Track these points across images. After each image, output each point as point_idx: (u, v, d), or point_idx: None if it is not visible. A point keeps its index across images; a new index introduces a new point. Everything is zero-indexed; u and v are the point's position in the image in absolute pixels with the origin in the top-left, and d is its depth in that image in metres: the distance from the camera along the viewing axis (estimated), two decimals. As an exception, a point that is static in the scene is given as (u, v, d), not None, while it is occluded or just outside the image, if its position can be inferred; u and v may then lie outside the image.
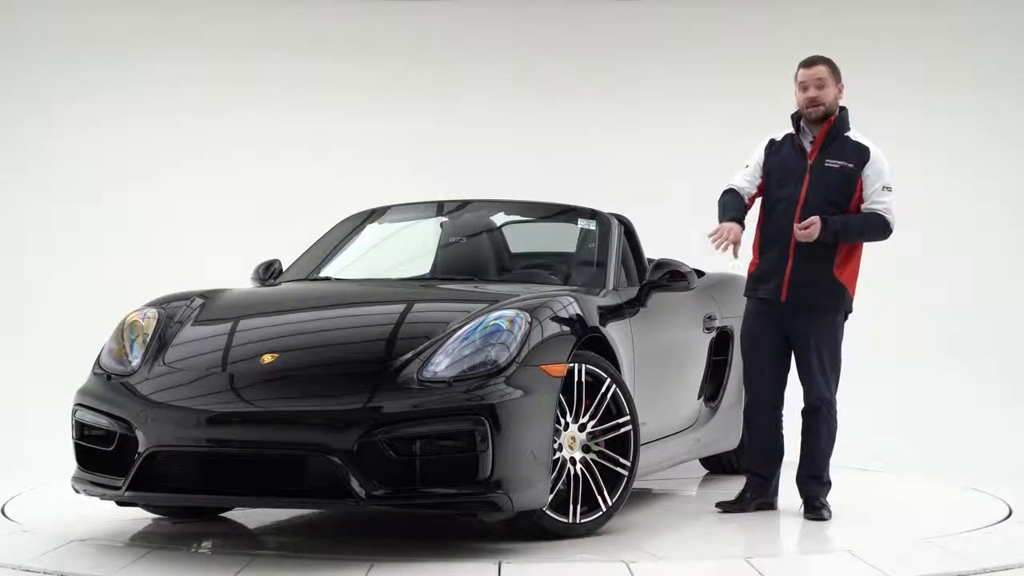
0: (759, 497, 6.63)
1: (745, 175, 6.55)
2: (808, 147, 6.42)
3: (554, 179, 10.34)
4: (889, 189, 6.32)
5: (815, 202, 6.31)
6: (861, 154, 6.33)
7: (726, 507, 6.64)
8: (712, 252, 6.41)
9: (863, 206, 6.34)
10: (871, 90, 10.49)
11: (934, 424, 9.60)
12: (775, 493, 6.68)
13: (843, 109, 6.45)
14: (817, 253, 6.31)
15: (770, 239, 6.46)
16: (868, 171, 6.31)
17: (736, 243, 6.33)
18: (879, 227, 6.32)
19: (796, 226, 6.27)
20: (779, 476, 6.69)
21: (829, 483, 6.54)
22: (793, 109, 6.50)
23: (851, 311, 6.52)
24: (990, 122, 10.76)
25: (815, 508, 6.43)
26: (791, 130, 6.49)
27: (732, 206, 6.45)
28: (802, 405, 6.55)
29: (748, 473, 6.73)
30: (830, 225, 6.23)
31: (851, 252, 6.40)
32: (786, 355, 6.57)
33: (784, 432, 6.67)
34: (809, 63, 6.43)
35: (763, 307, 6.52)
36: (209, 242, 10.47)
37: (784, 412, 6.68)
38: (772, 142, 6.56)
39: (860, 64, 10.52)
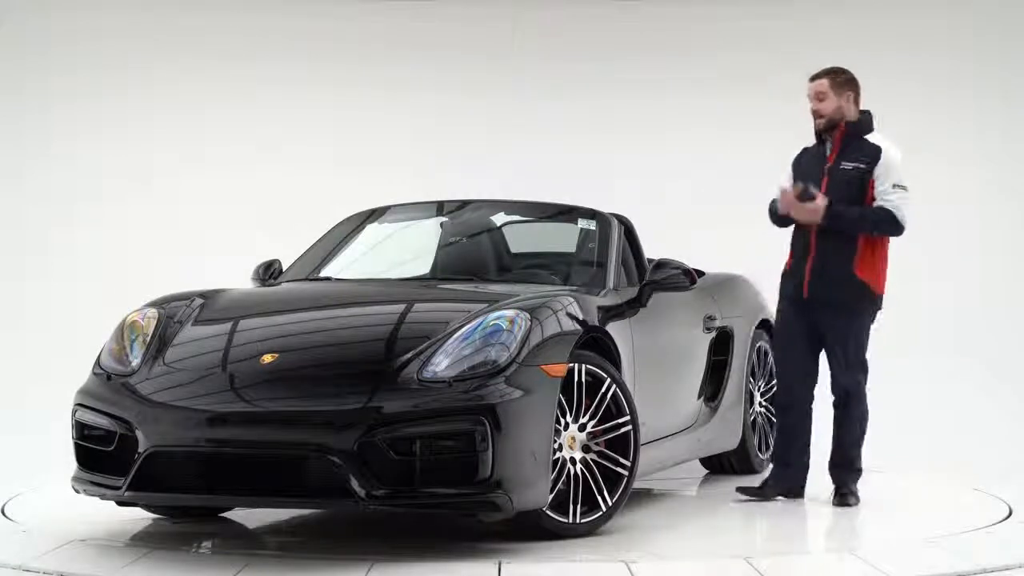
0: (780, 484, 6.82)
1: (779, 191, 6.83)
2: (828, 151, 6.68)
3: (554, 179, 10.34)
4: (902, 187, 6.52)
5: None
6: (874, 154, 6.56)
7: (747, 492, 6.86)
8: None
9: (875, 203, 6.53)
10: (873, 91, 10.51)
11: (935, 424, 9.60)
12: (802, 481, 6.86)
13: (864, 112, 6.70)
14: (837, 250, 6.57)
15: (797, 239, 6.75)
16: (879, 170, 6.54)
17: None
18: (885, 220, 6.50)
19: (794, 190, 6.52)
20: (807, 466, 6.86)
21: (859, 471, 6.75)
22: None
23: (880, 307, 6.71)
24: (991, 122, 10.75)
25: (842, 495, 6.67)
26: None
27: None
28: (832, 397, 6.78)
29: (773, 461, 6.97)
30: (834, 208, 6.47)
31: (872, 251, 6.60)
32: (815, 350, 6.78)
33: (813, 425, 6.85)
34: (813, 77, 6.72)
35: (791, 303, 6.78)
36: (209, 242, 10.47)
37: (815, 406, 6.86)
38: (804, 150, 6.86)
39: (861, 65, 10.56)
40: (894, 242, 6.71)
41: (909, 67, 10.77)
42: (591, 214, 6.95)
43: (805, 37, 10.69)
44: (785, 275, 6.81)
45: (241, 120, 10.87)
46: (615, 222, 6.89)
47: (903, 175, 6.54)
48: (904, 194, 6.51)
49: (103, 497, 5.53)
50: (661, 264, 6.61)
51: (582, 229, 6.92)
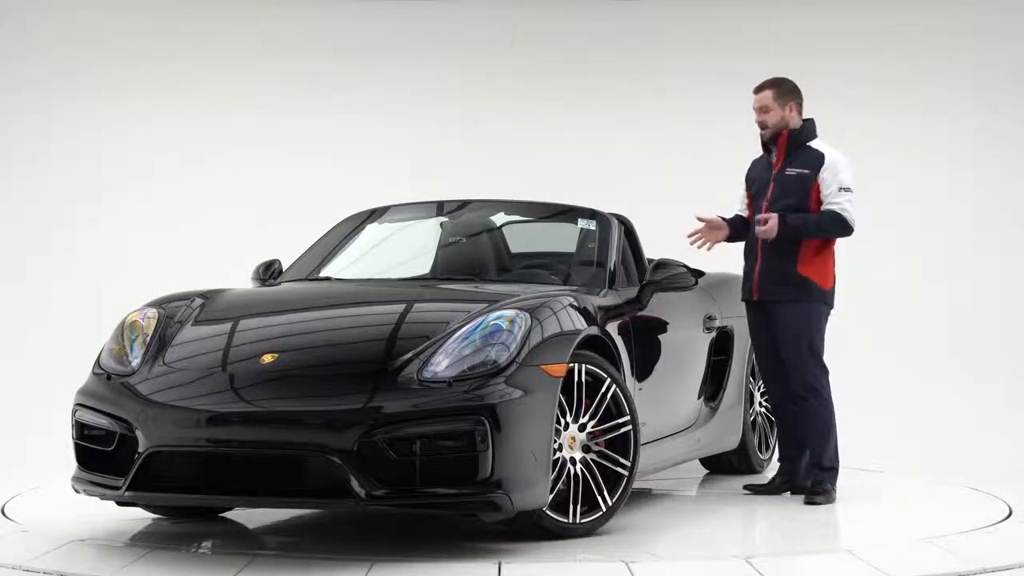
0: (788, 480, 6.99)
1: (739, 204, 7.14)
2: (773, 159, 6.93)
3: (554, 179, 10.34)
4: (847, 190, 6.76)
5: (778, 207, 6.79)
6: (817, 160, 6.81)
7: (756, 489, 7.06)
8: (695, 250, 6.98)
9: (823, 207, 6.76)
10: (872, 91, 10.50)
11: (934, 424, 9.60)
12: (807, 477, 6.95)
13: (808, 120, 6.95)
14: (782, 252, 6.77)
15: (747, 244, 7.00)
16: (823, 175, 6.79)
17: (715, 241, 6.97)
18: (836, 223, 6.74)
19: (754, 223, 6.79)
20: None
21: (831, 469, 6.81)
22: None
23: (831, 304, 6.88)
24: (989, 122, 10.75)
25: (813, 493, 6.75)
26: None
27: (731, 218, 7.06)
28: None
29: (780, 458, 7.16)
30: (789, 221, 6.69)
31: (815, 250, 6.80)
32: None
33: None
34: (755, 90, 7.01)
35: (749, 307, 7.03)
36: (209, 242, 10.47)
37: None
38: (752, 163, 7.12)
39: (860, 65, 10.55)
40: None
41: (909, 67, 10.76)
42: (591, 214, 6.96)
43: (807, 38, 10.69)
44: (741, 282, 7.04)
45: (241, 120, 10.86)
46: (615, 222, 6.90)
47: (847, 178, 6.77)
48: (850, 196, 6.76)
49: (103, 497, 5.53)
50: (661, 264, 6.63)
51: (582, 229, 6.92)
